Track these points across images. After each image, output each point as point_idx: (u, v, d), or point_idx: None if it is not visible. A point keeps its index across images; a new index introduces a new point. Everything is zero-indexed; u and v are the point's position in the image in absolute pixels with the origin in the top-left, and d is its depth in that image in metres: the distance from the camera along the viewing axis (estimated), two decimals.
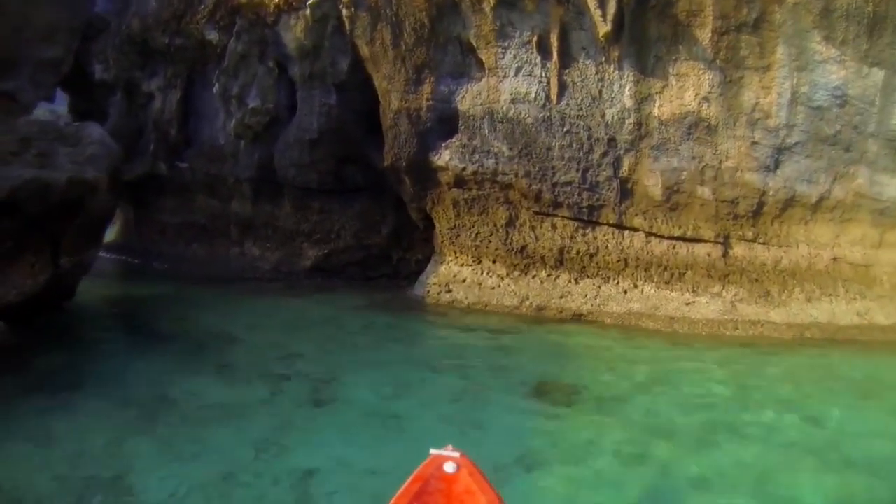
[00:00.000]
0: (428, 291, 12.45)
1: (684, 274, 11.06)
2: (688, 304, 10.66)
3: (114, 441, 5.80)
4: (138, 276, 16.63)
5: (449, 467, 3.34)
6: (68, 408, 6.61)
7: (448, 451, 3.51)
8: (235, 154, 16.06)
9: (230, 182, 16.29)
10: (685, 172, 10.73)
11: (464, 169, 11.98)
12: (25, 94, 14.80)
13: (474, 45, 11.63)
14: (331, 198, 15.56)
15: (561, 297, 11.32)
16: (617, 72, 10.71)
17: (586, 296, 11.20)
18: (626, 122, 10.84)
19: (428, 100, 12.54)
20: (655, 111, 10.72)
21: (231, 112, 15.31)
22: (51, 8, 14.31)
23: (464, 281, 12.30)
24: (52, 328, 9.84)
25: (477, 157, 12.06)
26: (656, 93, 10.65)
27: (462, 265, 12.63)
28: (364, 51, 12.95)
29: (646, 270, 11.22)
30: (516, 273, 11.77)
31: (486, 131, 11.99)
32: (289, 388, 7.06)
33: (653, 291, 11.05)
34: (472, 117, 12.12)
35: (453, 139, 12.35)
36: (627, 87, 10.73)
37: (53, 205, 9.01)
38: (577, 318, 10.70)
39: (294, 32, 13.96)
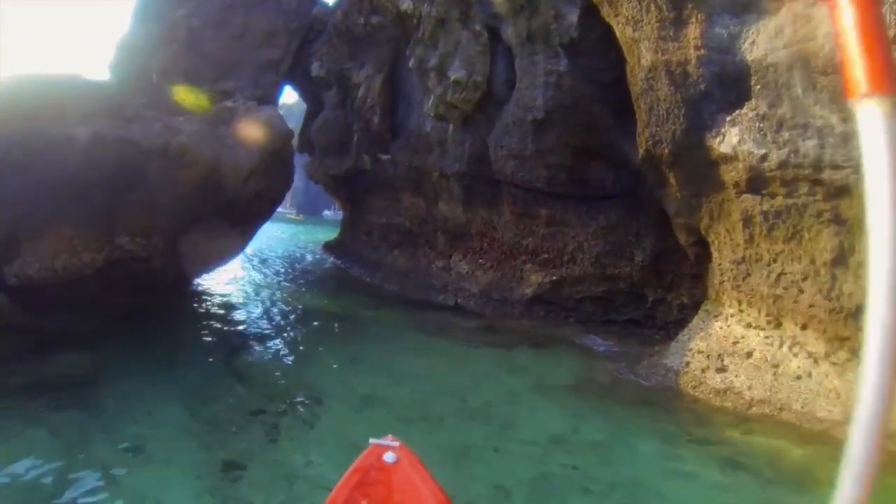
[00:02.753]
0: (687, 364, 9.06)
1: None
2: None
3: None
4: (320, 282, 16.55)
5: (389, 457, 3.71)
6: None
7: (387, 441, 3.88)
8: (442, 142, 14.79)
9: (435, 177, 15.20)
10: None
11: (764, 158, 8.28)
12: (244, 93, 17.27)
13: None
14: (566, 205, 13.31)
15: None
16: None
17: None
18: None
19: (697, 48, 9.45)
20: None
21: (430, 89, 14.08)
22: (270, 15, 17.78)
23: (749, 355, 8.47)
24: (93, 323, 8.89)
25: (786, 136, 8.39)
26: None
27: (749, 326, 8.83)
28: None
29: None
30: (843, 354, 7.63)
31: (800, 91, 8.26)
32: None
33: None
34: (771, 70, 8.50)
35: (743, 109, 8.55)
36: None
37: (78, 170, 8.51)
38: None
39: None
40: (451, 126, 14.42)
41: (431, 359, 9.85)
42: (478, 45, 13.27)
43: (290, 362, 9.09)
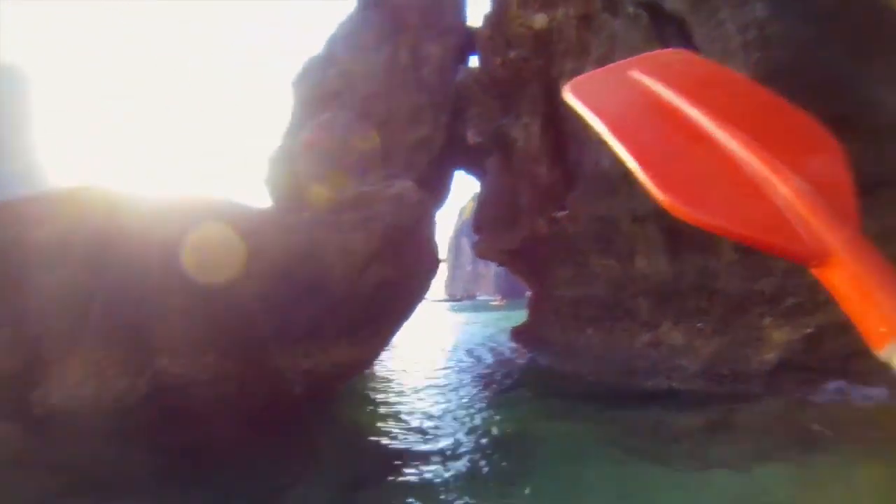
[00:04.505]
0: None
1: None
2: None
3: None
4: (496, 380, 13.60)
5: None
6: None
7: None
8: (628, 177, 11.74)
9: (626, 225, 11.84)
10: None
11: None
12: (399, 179, 16.04)
13: None
14: None
15: None
16: None
17: None
18: None
19: None
20: None
21: None
22: (412, 94, 16.47)
23: None
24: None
25: None
26: None
27: None
28: None
29: None
30: None
31: None
32: None
33: None
34: None
35: None
36: None
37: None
38: None
39: None
40: None
41: None
42: (638, 32, 10.12)
43: None
